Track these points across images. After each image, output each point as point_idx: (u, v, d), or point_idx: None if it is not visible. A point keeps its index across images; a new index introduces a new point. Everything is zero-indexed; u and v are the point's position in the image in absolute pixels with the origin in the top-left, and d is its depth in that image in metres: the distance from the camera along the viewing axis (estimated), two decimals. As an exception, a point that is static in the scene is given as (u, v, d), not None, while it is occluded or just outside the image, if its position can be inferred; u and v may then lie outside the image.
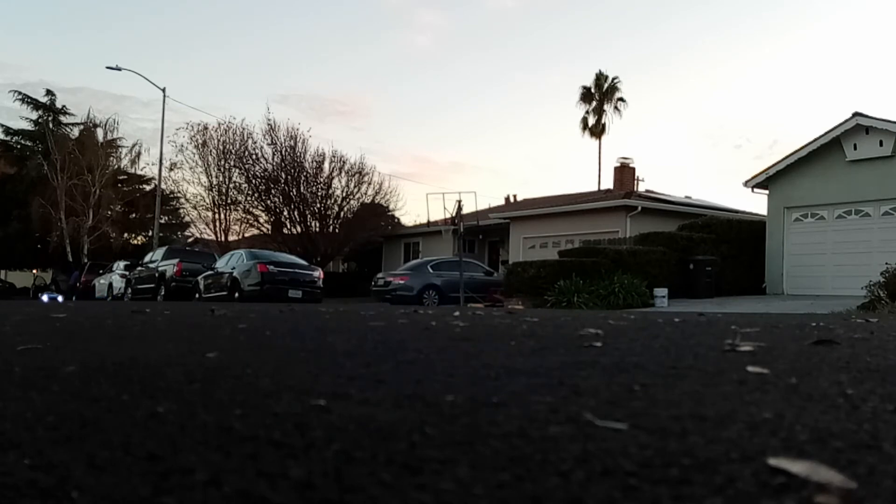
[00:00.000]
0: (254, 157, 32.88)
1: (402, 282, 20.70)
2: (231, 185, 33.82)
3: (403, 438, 1.48)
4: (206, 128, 34.27)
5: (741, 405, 1.95)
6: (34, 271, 38.26)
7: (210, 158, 33.83)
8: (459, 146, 70.29)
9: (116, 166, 38.56)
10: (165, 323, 6.31)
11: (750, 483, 1.14)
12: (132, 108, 58.11)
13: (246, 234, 35.08)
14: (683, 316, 8.74)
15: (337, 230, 32.19)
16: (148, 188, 38.59)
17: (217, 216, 34.46)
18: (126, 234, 39.55)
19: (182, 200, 36.95)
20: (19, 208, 35.17)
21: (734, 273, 19.03)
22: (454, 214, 20.09)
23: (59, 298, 22.22)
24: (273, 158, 32.43)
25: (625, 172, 29.11)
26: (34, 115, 39.39)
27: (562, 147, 74.55)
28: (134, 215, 40.15)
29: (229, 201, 34.09)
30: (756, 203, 37.29)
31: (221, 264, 19.62)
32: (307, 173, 32.14)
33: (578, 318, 8.13)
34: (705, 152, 63.82)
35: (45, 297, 22.34)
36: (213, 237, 34.84)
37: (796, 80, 65.15)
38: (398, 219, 35.29)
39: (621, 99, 44.80)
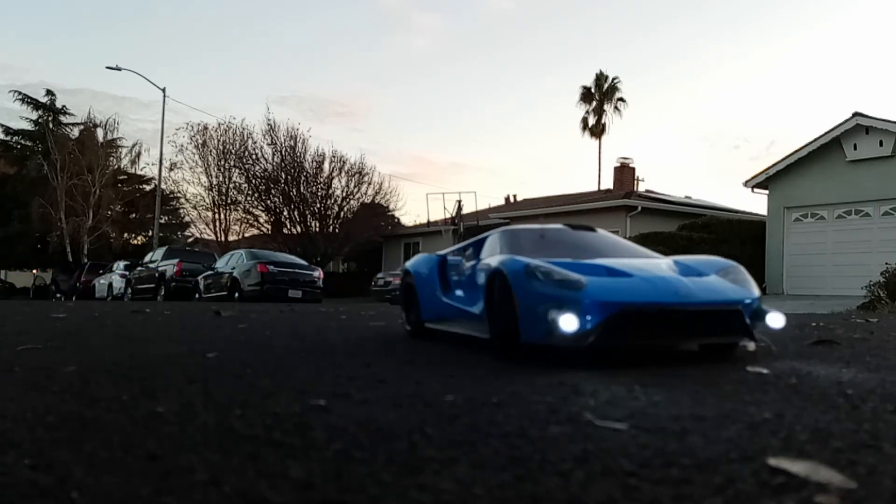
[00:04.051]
0: (254, 157, 32.87)
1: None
2: (231, 185, 33.81)
3: (403, 438, 1.48)
4: (206, 128, 34.28)
5: (741, 405, 1.95)
6: (34, 271, 38.20)
7: (210, 158, 33.83)
8: (459, 147, 70.25)
9: (116, 166, 38.48)
10: (165, 323, 6.30)
11: (750, 483, 1.14)
12: (132, 109, 57.93)
13: (246, 234, 35.07)
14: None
15: (337, 230, 32.17)
16: (148, 188, 38.54)
17: (217, 216, 34.46)
18: (126, 234, 39.48)
19: (182, 200, 36.94)
20: (19, 208, 35.12)
21: (734, 273, 19.06)
22: (454, 214, 20.08)
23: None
24: (273, 158, 32.42)
25: (625, 172, 29.08)
26: (34, 116, 39.31)
27: (562, 147, 74.45)
28: (134, 215, 40.09)
29: (229, 201, 34.08)
30: (756, 203, 37.34)
31: (221, 264, 19.60)
32: (307, 173, 32.11)
33: (578, 318, 8.07)
34: (704, 152, 63.77)
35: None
36: (213, 237, 34.83)
37: (795, 81, 65.07)
38: (398, 219, 35.29)
39: (621, 99, 44.75)
